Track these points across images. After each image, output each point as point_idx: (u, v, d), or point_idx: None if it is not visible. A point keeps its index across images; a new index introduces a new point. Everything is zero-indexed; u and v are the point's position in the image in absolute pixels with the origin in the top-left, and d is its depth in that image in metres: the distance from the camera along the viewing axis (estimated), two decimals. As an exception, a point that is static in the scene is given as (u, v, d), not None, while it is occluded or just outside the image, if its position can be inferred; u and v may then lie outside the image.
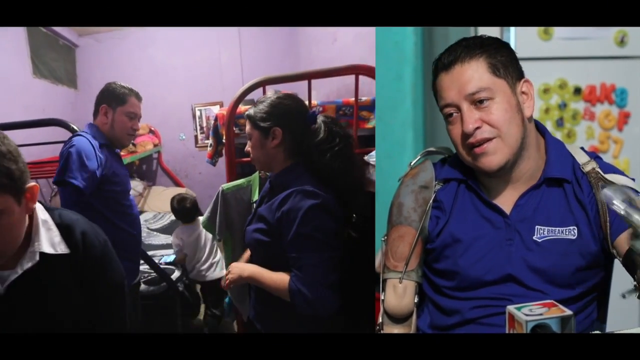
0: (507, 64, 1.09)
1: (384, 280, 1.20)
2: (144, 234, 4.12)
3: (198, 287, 3.48)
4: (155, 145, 5.45)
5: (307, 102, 2.13)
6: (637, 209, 0.88)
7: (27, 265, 1.08)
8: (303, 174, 1.42)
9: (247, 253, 1.67)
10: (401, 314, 1.18)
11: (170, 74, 5.56)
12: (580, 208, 1.11)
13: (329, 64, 3.39)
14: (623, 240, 1.03)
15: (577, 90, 2.08)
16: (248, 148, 1.53)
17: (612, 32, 2.03)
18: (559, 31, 2.02)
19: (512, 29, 1.96)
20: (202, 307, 3.41)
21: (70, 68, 5.49)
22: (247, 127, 1.50)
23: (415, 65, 2.11)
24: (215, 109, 5.43)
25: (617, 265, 1.11)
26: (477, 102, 1.07)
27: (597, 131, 2.10)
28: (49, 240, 1.11)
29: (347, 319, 1.45)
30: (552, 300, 0.98)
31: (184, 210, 3.26)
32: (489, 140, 1.07)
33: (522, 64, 1.14)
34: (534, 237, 1.10)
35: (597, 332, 1.07)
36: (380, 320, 1.20)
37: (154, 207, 5.16)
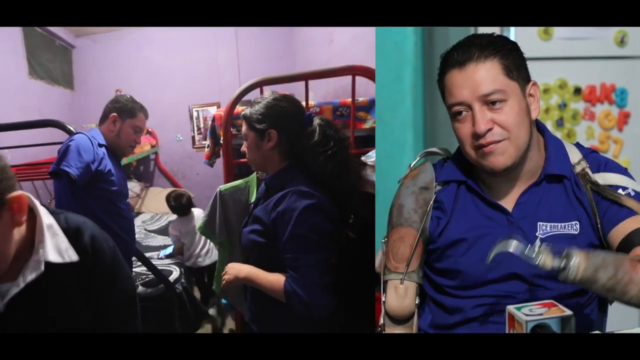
0: (519, 66, 1.09)
1: (385, 282, 1.20)
2: (141, 235, 4.12)
3: (196, 289, 3.52)
4: (152, 146, 5.45)
5: (304, 103, 2.13)
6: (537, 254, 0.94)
7: (31, 276, 0.96)
8: (298, 176, 1.42)
9: None
10: (402, 315, 1.18)
11: (168, 75, 5.56)
12: (579, 204, 1.12)
13: (325, 65, 3.41)
14: (615, 235, 1.06)
15: (577, 90, 2.08)
16: (244, 148, 1.53)
17: (612, 32, 2.03)
18: (559, 31, 2.02)
19: (512, 29, 1.96)
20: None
21: (67, 69, 5.48)
22: (244, 128, 1.50)
23: (415, 65, 2.11)
24: (213, 110, 5.43)
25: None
26: (490, 103, 1.06)
27: (597, 131, 2.10)
28: (56, 247, 0.99)
29: (347, 319, 1.45)
30: (552, 300, 0.98)
31: (181, 206, 3.50)
32: (498, 142, 1.07)
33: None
34: (537, 234, 1.10)
35: (597, 332, 1.07)
36: (381, 321, 1.20)
37: (152, 208, 5.15)
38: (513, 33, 1.97)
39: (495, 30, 1.58)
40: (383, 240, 1.26)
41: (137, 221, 4.64)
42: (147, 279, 3.00)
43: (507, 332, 0.98)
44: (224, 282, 1.53)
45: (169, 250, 3.60)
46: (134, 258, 2.52)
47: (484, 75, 1.06)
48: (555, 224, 1.11)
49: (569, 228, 1.10)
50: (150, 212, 5.08)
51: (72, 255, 1.00)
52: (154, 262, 3.12)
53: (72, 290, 1.01)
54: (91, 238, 1.04)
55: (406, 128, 2.13)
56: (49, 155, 3.59)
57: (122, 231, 2.14)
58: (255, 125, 1.45)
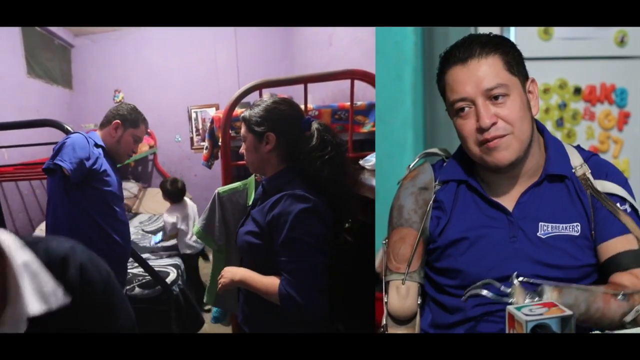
0: (519, 62, 1.11)
1: (387, 283, 1.20)
2: (138, 236, 4.11)
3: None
4: (150, 147, 5.44)
5: (302, 106, 2.13)
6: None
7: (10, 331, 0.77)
8: (295, 179, 1.43)
9: None
10: (405, 316, 1.18)
11: (167, 76, 5.56)
12: (581, 206, 1.12)
13: (324, 68, 3.41)
14: (604, 250, 1.09)
15: (577, 90, 2.08)
16: (242, 150, 1.53)
17: (612, 32, 2.04)
18: (559, 31, 2.03)
19: (512, 29, 1.97)
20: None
21: (66, 68, 5.47)
22: (243, 130, 1.51)
23: (415, 65, 2.11)
24: (211, 111, 5.43)
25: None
26: (493, 98, 1.07)
27: (597, 131, 2.10)
28: (38, 292, 0.78)
29: (347, 320, 1.45)
30: (552, 301, 0.98)
31: (177, 190, 3.66)
32: (502, 136, 1.07)
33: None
34: (538, 234, 1.11)
35: (597, 332, 1.07)
36: (384, 322, 1.20)
37: (149, 209, 5.14)
38: (513, 33, 1.97)
39: (495, 30, 1.59)
40: (384, 242, 1.26)
41: (135, 222, 4.63)
42: (144, 281, 2.99)
43: (507, 332, 0.98)
44: (220, 285, 1.54)
45: (160, 236, 3.75)
46: (130, 259, 2.51)
47: (487, 70, 1.07)
48: (557, 224, 1.11)
49: (570, 229, 1.10)
50: (148, 212, 5.06)
51: (60, 298, 0.80)
52: (151, 263, 3.11)
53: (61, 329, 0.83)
54: (79, 269, 0.84)
55: (406, 128, 2.13)
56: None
57: (117, 234, 2.13)
58: (254, 128, 1.46)
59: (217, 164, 2.48)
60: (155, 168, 5.80)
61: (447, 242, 1.16)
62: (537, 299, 0.96)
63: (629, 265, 1.06)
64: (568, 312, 0.93)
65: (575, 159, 1.16)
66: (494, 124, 1.06)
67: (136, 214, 5.01)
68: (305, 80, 2.23)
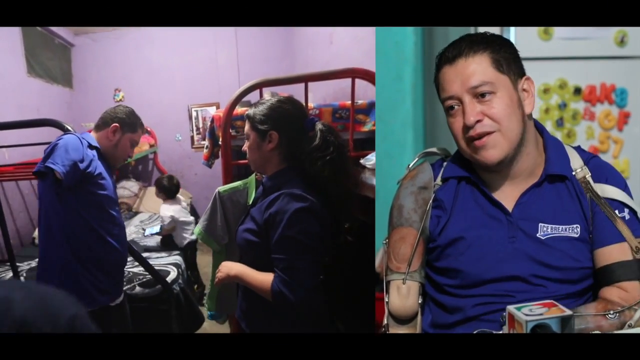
0: (510, 60, 1.11)
1: (388, 282, 1.21)
2: (139, 235, 4.11)
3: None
4: (151, 146, 5.44)
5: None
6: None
7: None
8: (294, 178, 1.44)
9: None
10: (406, 315, 1.19)
11: (167, 75, 5.56)
12: (580, 208, 1.12)
13: (324, 66, 3.41)
14: (599, 256, 1.10)
15: (577, 90, 2.08)
16: (245, 147, 1.54)
17: (612, 32, 2.04)
18: (559, 31, 2.02)
19: (512, 29, 1.96)
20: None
21: (66, 67, 5.47)
22: (246, 127, 1.51)
23: (415, 65, 2.11)
24: (212, 110, 5.43)
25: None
26: (479, 96, 1.08)
27: (597, 131, 2.10)
28: None
29: (347, 320, 1.46)
30: (552, 300, 0.98)
31: (173, 187, 3.84)
32: (489, 133, 1.08)
33: (522, 63, 1.14)
34: (538, 235, 1.11)
35: (597, 332, 1.07)
36: (385, 322, 1.20)
37: (150, 207, 5.13)
38: (513, 33, 1.97)
39: (495, 30, 1.58)
40: (384, 241, 1.26)
41: (135, 220, 4.63)
42: (144, 280, 2.99)
43: (507, 332, 0.98)
44: (217, 279, 1.55)
45: (156, 229, 3.89)
46: (130, 258, 2.49)
47: (473, 68, 1.08)
48: (557, 225, 1.11)
49: (570, 231, 1.11)
50: (149, 211, 5.06)
51: None
52: (151, 262, 3.11)
53: None
54: (20, 322, 0.66)
55: (406, 128, 2.13)
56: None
57: (115, 240, 2.02)
58: (257, 126, 1.46)
59: (218, 163, 2.48)
60: (156, 167, 5.80)
61: (447, 241, 1.16)
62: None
63: (619, 277, 1.07)
64: (568, 312, 0.93)
65: (576, 161, 1.16)
66: (479, 121, 1.07)
67: (136, 213, 5.01)
68: (306, 79, 2.22)
